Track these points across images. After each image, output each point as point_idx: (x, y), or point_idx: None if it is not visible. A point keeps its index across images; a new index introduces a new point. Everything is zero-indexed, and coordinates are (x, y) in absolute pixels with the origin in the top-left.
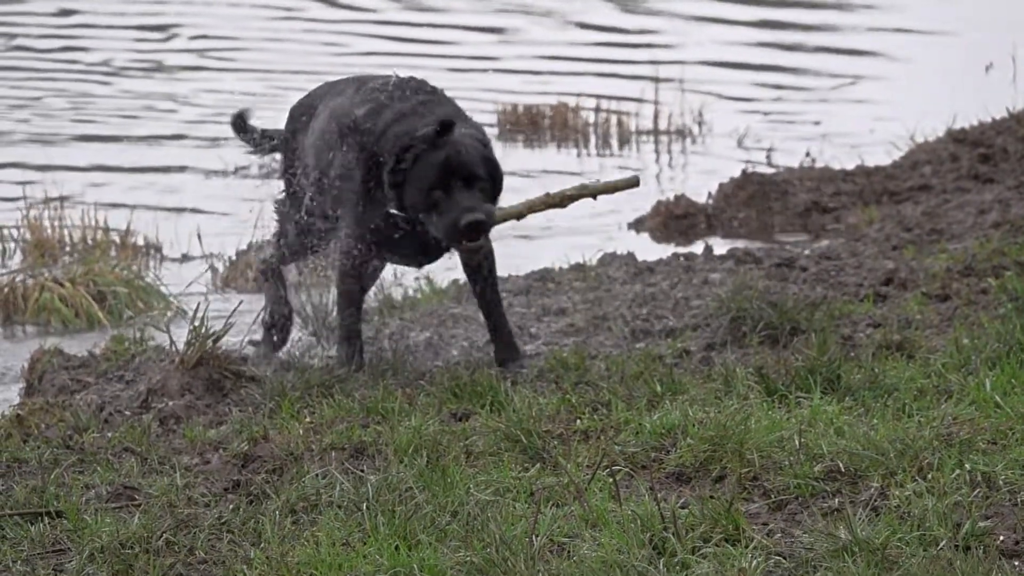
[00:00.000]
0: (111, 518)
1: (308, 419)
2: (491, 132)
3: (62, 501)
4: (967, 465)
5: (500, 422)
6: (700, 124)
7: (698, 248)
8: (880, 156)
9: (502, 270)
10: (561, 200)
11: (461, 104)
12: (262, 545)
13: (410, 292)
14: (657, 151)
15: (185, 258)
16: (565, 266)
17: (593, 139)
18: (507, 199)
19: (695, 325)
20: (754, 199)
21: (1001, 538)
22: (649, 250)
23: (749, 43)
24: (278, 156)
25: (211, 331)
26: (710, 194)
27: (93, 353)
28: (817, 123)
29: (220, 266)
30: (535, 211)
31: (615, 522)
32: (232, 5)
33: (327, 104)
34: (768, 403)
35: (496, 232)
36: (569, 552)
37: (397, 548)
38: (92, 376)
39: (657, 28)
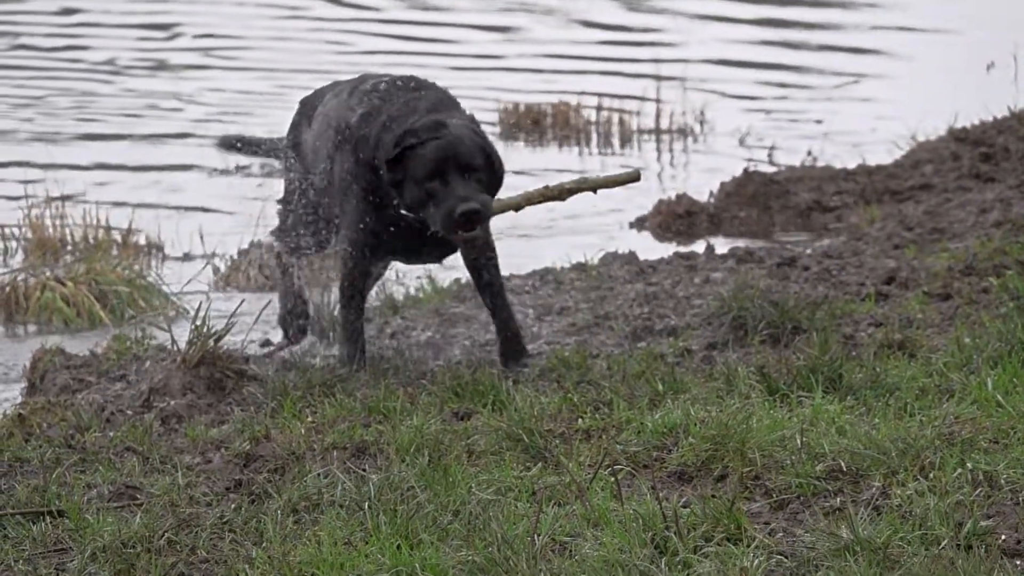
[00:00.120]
0: (113, 517)
1: (310, 418)
2: (493, 131)
3: (64, 500)
4: (969, 464)
5: (502, 421)
6: (702, 123)
7: (700, 247)
8: (881, 155)
9: (504, 269)
10: (560, 193)
11: (467, 103)
12: (264, 544)
13: (412, 291)
14: (659, 150)
15: (187, 257)
16: (566, 265)
17: (595, 138)
18: (506, 196)
19: (697, 324)
20: (756, 198)
21: (1003, 537)
22: (650, 249)
23: (752, 41)
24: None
25: (213, 330)
26: (712, 193)
27: (95, 352)
28: (819, 122)
29: (222, 265)
30: (533, 203)
31: (617, 521)
32: (237, 4)
33: (325, 105)
34: (770, 402)
35: (497, 230)
36: (571, 551)
37: (399, 547)
38: (94, 375)
39: (661, 26)
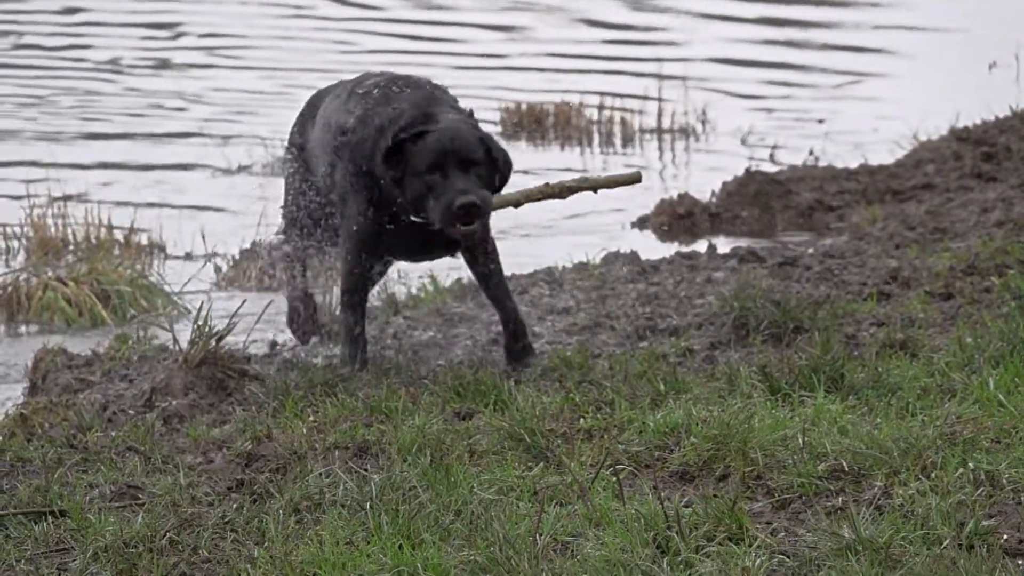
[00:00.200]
0: (115, 517)
1: (312, 418)
2: (495, 130)
3: (66, 500)
4: (971, 464)
5: (504, 421)
6: (704, 122)
7: (702, 247)
8: (883, 155)
9: (505, 269)
10: (560, 191)
11: (470, 103)
12: (266, 544)
13: (413, 291)
14: (661, 149)
15: (189, 257)
16: (568, 265)
17: (597, 137)
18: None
19: (699, 324)
20: (758, 198)
21: (1005, 537)
22: (652, 249)
23: (754, 40)
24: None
25: (215, 330)
26: (714, 192)
27: (97, 352)
28: (821, 121)
29: (224, 265)
30: (533, 200)
31: (619, 521)
32: (241, 3)
33: (326, 107)
34: (772, 402)
35: (498, 230)
36: (573, 551)
37: (401, 547)
38: (96, 375)
39: (663, 25)
